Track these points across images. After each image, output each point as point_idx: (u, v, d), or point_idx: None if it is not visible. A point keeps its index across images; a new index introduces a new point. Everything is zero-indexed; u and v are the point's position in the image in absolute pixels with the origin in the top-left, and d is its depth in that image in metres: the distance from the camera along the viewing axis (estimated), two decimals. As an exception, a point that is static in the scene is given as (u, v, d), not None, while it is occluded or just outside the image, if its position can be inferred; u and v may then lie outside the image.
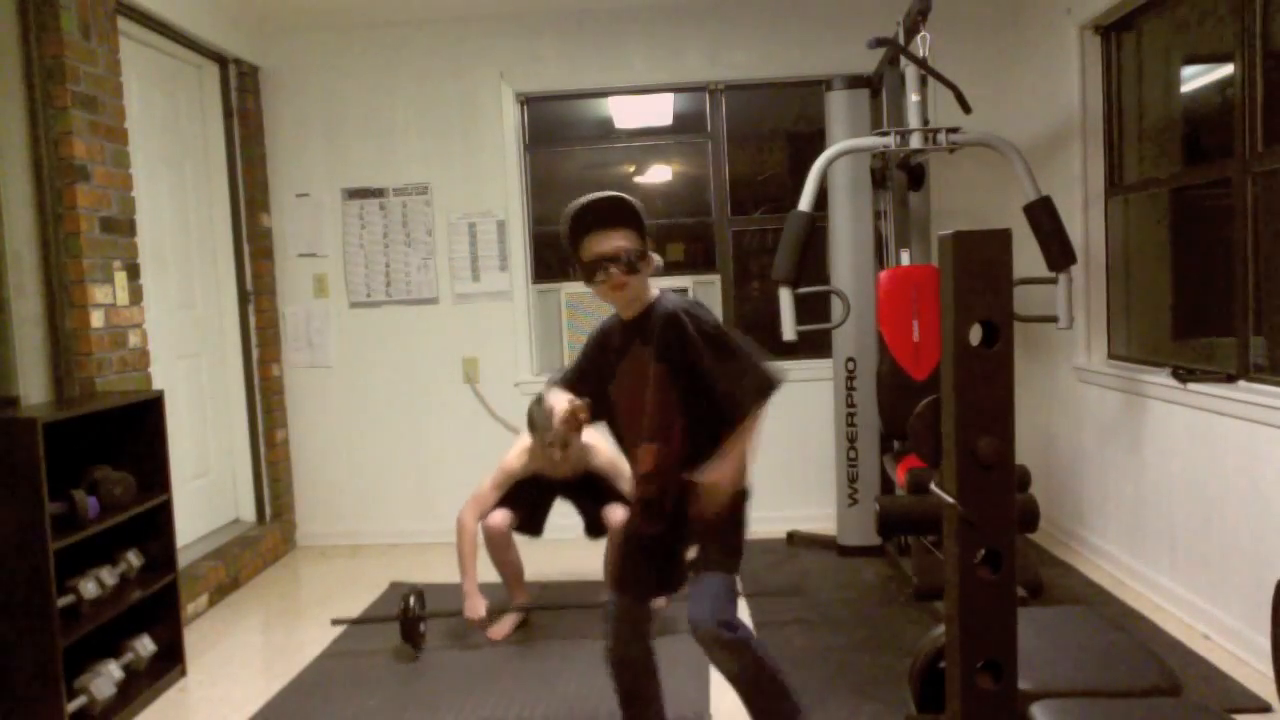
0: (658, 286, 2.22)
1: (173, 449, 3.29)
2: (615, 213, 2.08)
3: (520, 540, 3.51)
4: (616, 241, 2.06)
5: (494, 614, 3.36)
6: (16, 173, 3.13)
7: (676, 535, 2.20)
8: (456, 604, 3.35)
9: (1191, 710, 1.72)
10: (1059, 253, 3.55)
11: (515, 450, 3.44)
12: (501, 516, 3.39)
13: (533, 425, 3.26)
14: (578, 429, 2.13)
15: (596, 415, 2.19)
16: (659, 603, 2.54)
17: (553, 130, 4.91)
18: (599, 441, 3.30)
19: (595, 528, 3.50)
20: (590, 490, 3.46)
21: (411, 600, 3.25)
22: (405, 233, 4.74)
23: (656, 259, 2.18)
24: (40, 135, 3.13)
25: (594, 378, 2.23)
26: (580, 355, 2.29)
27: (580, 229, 2.09)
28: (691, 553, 2.20)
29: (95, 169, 3.27)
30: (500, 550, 3.43)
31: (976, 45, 4.48)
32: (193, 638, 3.47)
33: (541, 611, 3.56)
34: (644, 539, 2.25)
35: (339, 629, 3.55)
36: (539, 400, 3.25)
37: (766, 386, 2.05)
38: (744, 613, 3.52)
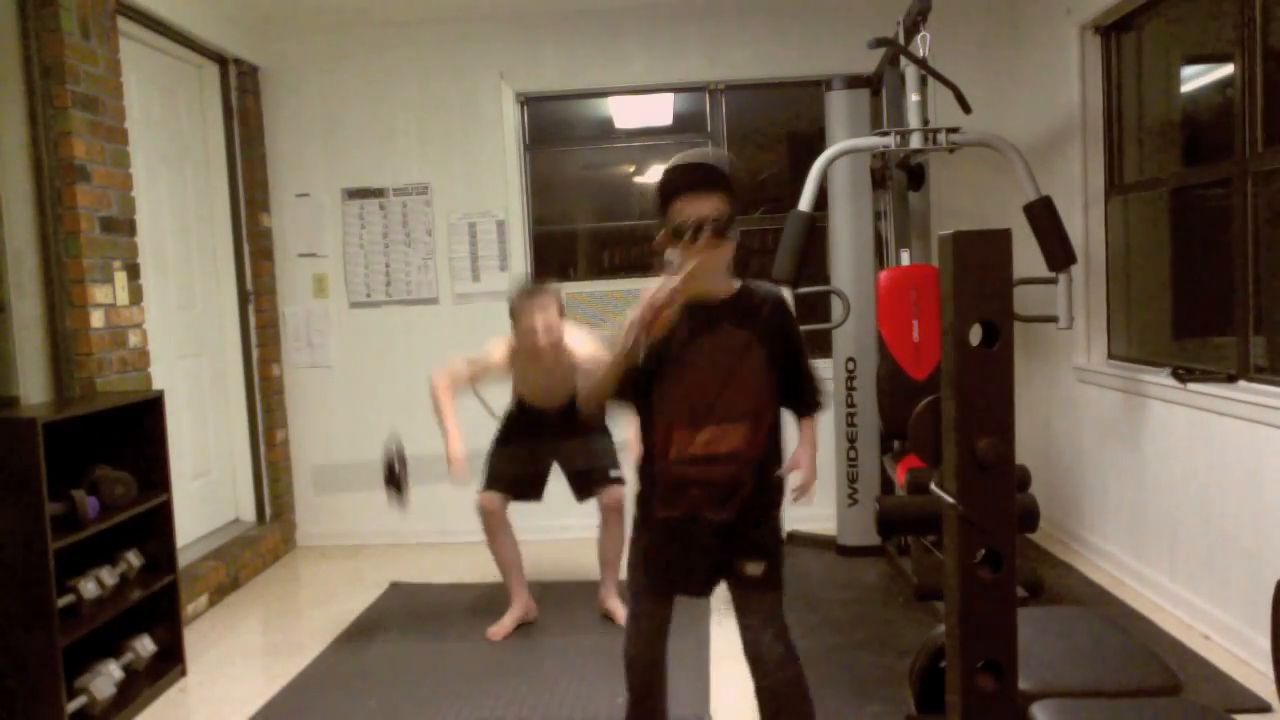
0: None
1: (173, 449, 3.29)
2: (711, 178, 2.06)
3: (521, 540, 3.51)
4: (714, 203, 2.03)
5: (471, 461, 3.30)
6: (16, 173, 3.13)
7: (740, 532, 2.09)
8: (454, 603, 3.35)
9: (1191, 710, 1.72)
10: (1059, 253, 3.55)
11: (495, 345, 3.37)
12: (492, 498, 3.40)
13: (513, 313, 3.23)
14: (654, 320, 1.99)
15: (638, 391, 2.10)
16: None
17: (553, 130, 4.91)
18: (581, 334, 3.28)
19: (584, 488, 3.47)
20: (574, 437, 3.40)
21: (395, 457, 3.26)
22: (405, 233, 4.74)
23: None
24: (40, 135, 3.13)
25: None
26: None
27: (673, 190, 2.05)
28: (754, 567, 2.11)
29: (95, 169, 3.27)
30: (496, 531, 3.40)
31: (976, 45, 4.48)
32: (193, 638, 3.47)
33: (541, 611, 3.56)
34: (698, 529, 2.09)
35: (339, 629, 3.55)
36: (520, 291, 3.27)
37: (825, 392, 2.21)
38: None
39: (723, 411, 2.05)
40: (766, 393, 2.09)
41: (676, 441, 2.07)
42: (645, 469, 2.15)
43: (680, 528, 2.10)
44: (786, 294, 2.20)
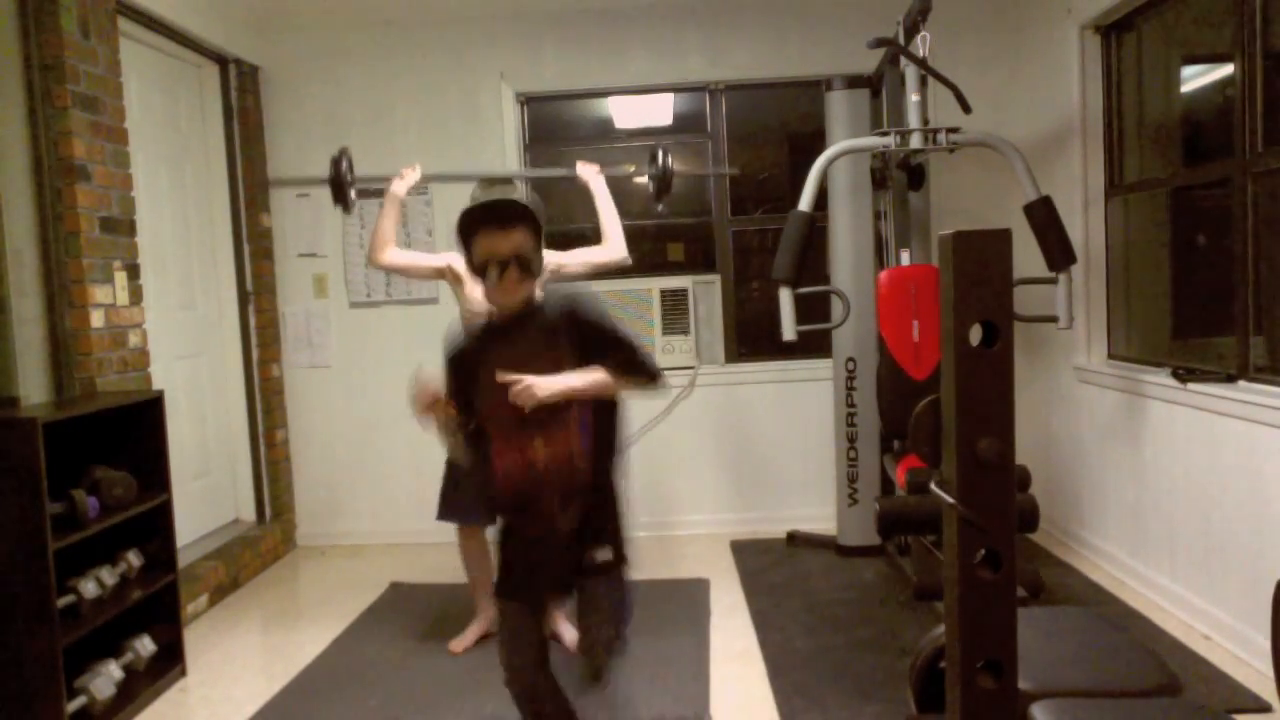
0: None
1: (173, 449, 3.29)
2: (509, 214, 2.09)
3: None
4: (513, 241, 2.05)
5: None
6: (16, 173, 3.13)
7: (576, 533, 2.09)
8: (454, 603, 3.34)
9: (1191, 710, 1.72)
10: (1059, 253, 3.55)
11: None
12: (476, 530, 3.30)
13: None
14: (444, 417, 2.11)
15: (467, 424, 2.14)
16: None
17: (553, 130, 4.91)
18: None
19: None
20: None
21: (342, 160, 3.34)
22: (405, 233, 4.74)
23: (551, 261, 2.09)
24: (40, 135, 3.14)
25: (462, 393, 2.17)
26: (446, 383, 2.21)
27: (471, 229, 2.09)
28: (603, 553, 2.11)
29: (95, 169, 3.27)
30: (470, 544, 3.31)
31: (976, 45, 4.48)
32: (193, 638, 3.47)
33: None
34: (531, 539, 2.12)
35: (339, 629, 3.55)
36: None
37: (656, 372, 2.11)
38: (743, 614, 3.53)
39: (534, 424, 2.04)
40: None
41: (504, 455, 2.09)
42: (487, 486, 2.17)
43: (517, 536, 2.14)
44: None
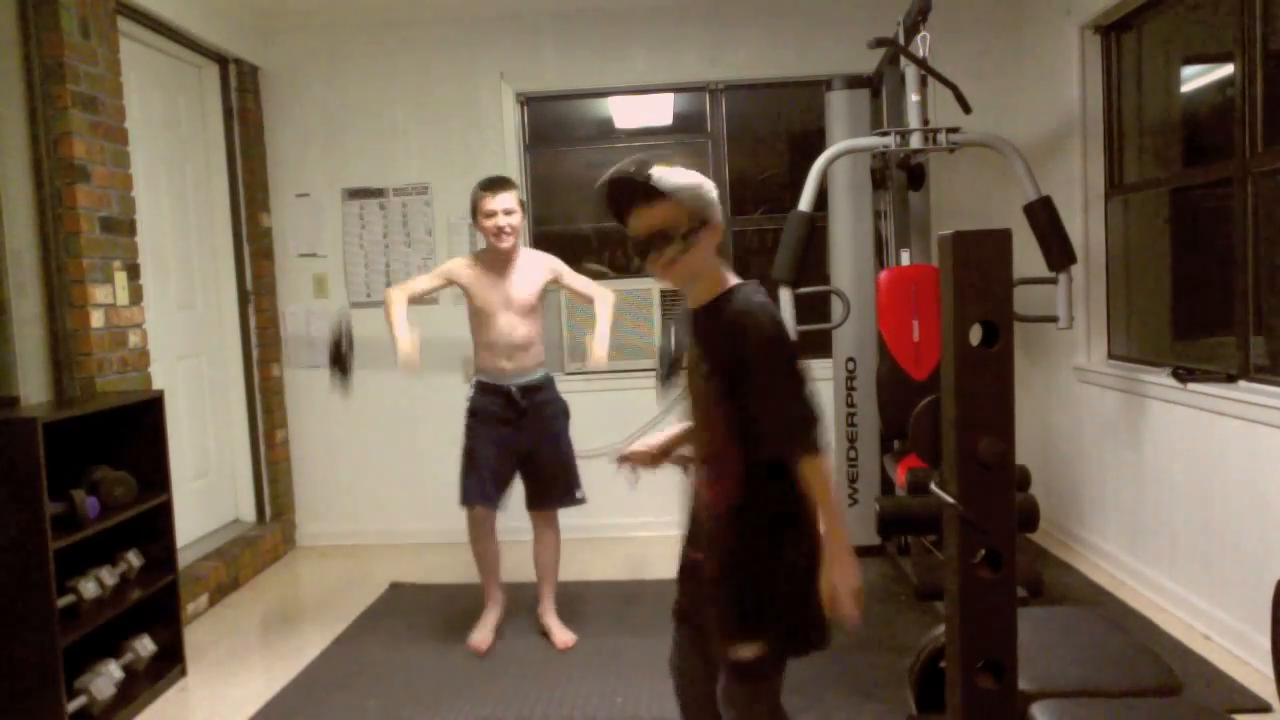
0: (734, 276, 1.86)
1: (173, 449, 3.29)
2: (635, 192, 1.76)
3: (515, 540, 3.50)
4: (647, 219, 1.75)
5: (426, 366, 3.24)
6: (16, 173, 3.13)
7: (718, 600, 1.79)
8: (454, 603, 3.35)
9: (1191, 710, 1.72)
10: (1059, 253, 3.55)
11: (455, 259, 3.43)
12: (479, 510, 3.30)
13: (474, 205, 3.23)
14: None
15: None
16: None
17: (553, 130, 4.91)
18: (544, 256, 3.37)
19: (542, 500, 3.36)
20: (540, 425, 3.29)
21: (342, 332, 3.09)
22: (405, 233, 4.74)
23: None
24: (40, 135, 3.13)
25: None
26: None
27: (616, 206, 1.81)
28: (743, 648, 1.75)
29: (95, 169, 3.27)
30: (481, 534, 3.30)
31: (976, 45, 4.48)
32: (193, 638, 3.47)
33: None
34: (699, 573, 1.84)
35: (339, 629, 3.55)
36: (481, 183, 3.22)
37: (811, 438, 1.66)
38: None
39: (701, 446, 1.83)
40: (721, 430, 1.74)
41: (694, 470, 1.87)
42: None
43: (689, 566, 1.92)
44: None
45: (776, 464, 1.69)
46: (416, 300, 3.27)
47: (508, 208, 3.19)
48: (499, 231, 3.19)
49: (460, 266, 3.32)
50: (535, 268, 3.33)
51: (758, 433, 1.69)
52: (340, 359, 3.07)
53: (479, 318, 3.30)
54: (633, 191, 1.76)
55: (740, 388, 1.69)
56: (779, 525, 1.74)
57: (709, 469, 1.80)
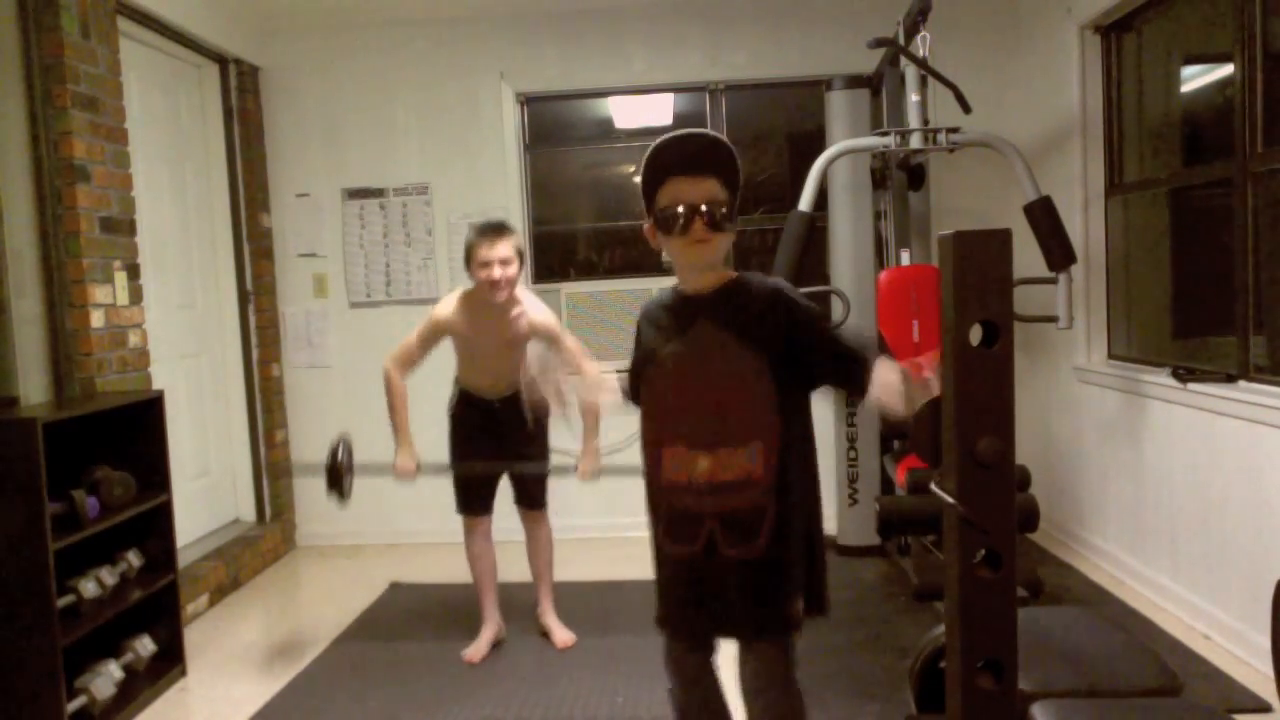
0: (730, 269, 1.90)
1: (173, 449, 3.29)
2: (707, 156, 1.74)
3: (514, 540, 3.50)
4: (705, 189, 1.73)
5: (423, 468, 3.20)
6: (16, 173, 3.13)
7: (768, 569, 1.77)
8: (454, 603, 3.35)
9: (1191, 710, 1.72)
10: (1059, 253, 3.55)
11: (443, 302, 3.17)
12: (474, 519, 3.31)
13: (469, 251, 3.01)
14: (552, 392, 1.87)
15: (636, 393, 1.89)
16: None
17: (553, 130, 4.91)
18: (536, 301, 3.14)
19: (526, 498, 3.33)
20: (522, 437, 3.23)
21: (340, 449, 3.04)
22: (405, 233, 4.74)
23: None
24: (40, 135, 3.14)
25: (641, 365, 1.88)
26: (635, 345, 1.95)
27: (660, 169, 1.75)
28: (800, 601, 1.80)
29: (95, 169, 3.26)
30: (476, 545, 3.30)
31: (976, 45, 4.48)
32: (193, 638, 3.47)
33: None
34: (716, 566, 1.79)
35: (339, 629, 3.55)
36: (478, 227, 3.02)
37: (870, 352, 1.68)
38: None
39: (719, 432, 1.75)
40: (764, 409, 1.73)
41: (670, 464, 1.79)
42: (648, 493, 1.87)
43: (695, 565, 1.80)
44: (781, 280, 1.89)
45: (804, 428, 1.81)
46: (420, 357, 3.20)
47: (504, 257, 2.97)
48: (494, 284, 2.98)
49: (450, 314, 3.12)
50: (529, 320, 3.10)
51: (845, 376, 1.72)
52: (338, 480, 3.02)
53: (466, 350, 3.24)
54: (709, 158, 1.76)
55: (793, 353, 1.73)
56: (810, 483, 1.84)
57: (735, 446, 1.74)
